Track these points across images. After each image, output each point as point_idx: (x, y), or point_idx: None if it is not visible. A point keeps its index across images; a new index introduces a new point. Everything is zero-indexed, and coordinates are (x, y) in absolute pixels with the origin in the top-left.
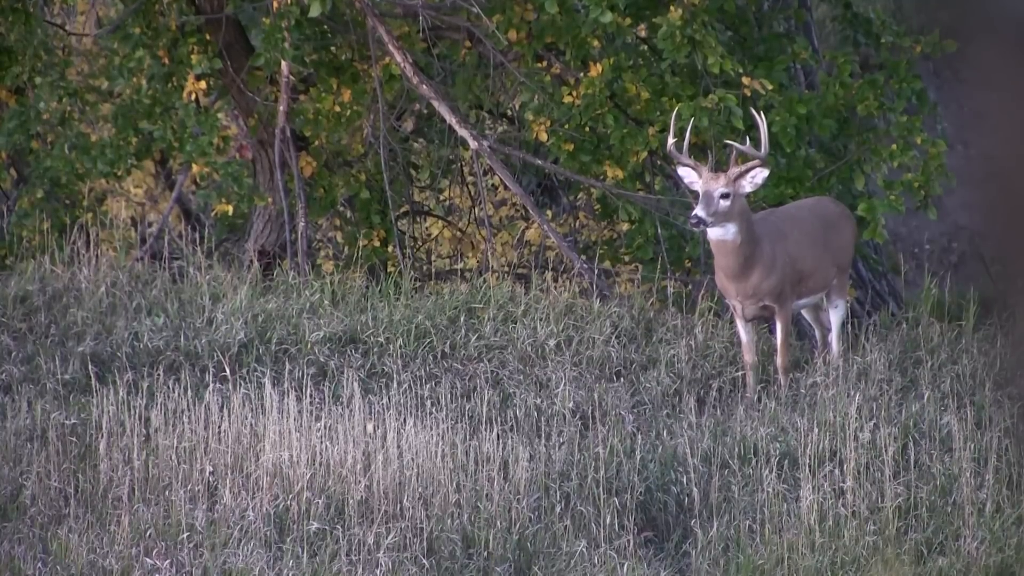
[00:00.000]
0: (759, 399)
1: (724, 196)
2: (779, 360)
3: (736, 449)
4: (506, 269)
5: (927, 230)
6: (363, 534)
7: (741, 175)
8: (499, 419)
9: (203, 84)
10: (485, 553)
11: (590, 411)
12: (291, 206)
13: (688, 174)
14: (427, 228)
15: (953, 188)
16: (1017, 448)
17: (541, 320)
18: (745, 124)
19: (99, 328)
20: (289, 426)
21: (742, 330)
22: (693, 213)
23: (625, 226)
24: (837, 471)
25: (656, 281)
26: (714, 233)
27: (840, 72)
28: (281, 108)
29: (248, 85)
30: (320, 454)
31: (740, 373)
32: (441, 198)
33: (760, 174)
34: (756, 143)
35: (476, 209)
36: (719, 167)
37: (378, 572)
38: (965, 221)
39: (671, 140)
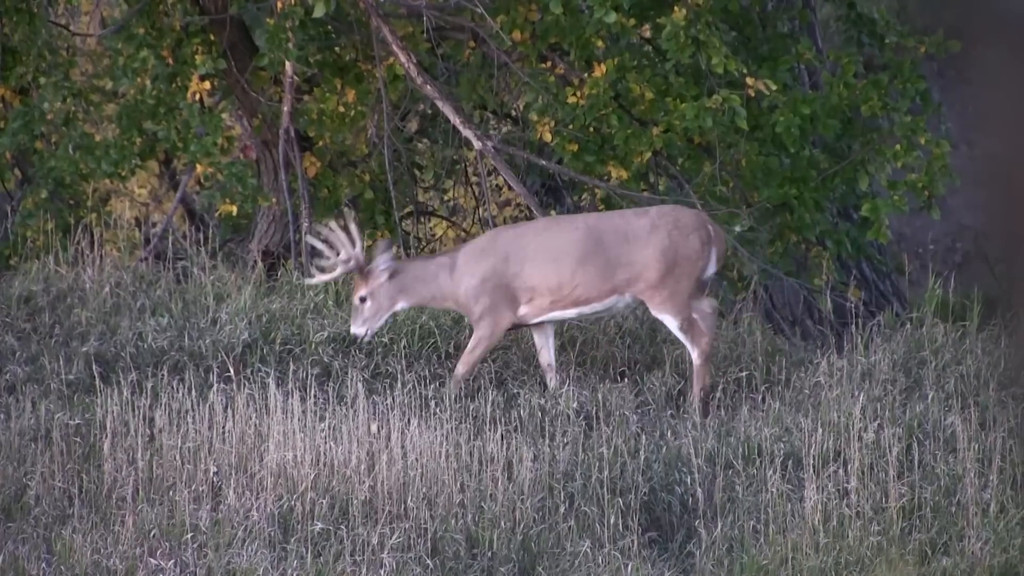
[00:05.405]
0: (763, 399)
1: (363, 300)
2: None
3: (740, 449)
4: None
5: (931, 230)
6: (367, 534)
7: (372, 271)
8: (503, 419)
9: (207, 84)
10: (489, 553)
11: (594, 411)
12: (295, 206)
13: (332, 251)
14: (431, 228)
15: (957, 188)
16: (1021, 448)
17: None
18: (749, 124)
19: (103, 328)
20: (293, 426)
21: (535, 335)
22: (351, 331)
23: None
24: (841, 471)
25: None
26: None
27: (844, 72)
28: (285, 108)
29: (252, 85)
30: (324, 454)
31: (744, 373)
32: (445, 198)
33: (383, 257)
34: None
35: (480, 209)
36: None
37: (382, 572)
38: (969, 221)
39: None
